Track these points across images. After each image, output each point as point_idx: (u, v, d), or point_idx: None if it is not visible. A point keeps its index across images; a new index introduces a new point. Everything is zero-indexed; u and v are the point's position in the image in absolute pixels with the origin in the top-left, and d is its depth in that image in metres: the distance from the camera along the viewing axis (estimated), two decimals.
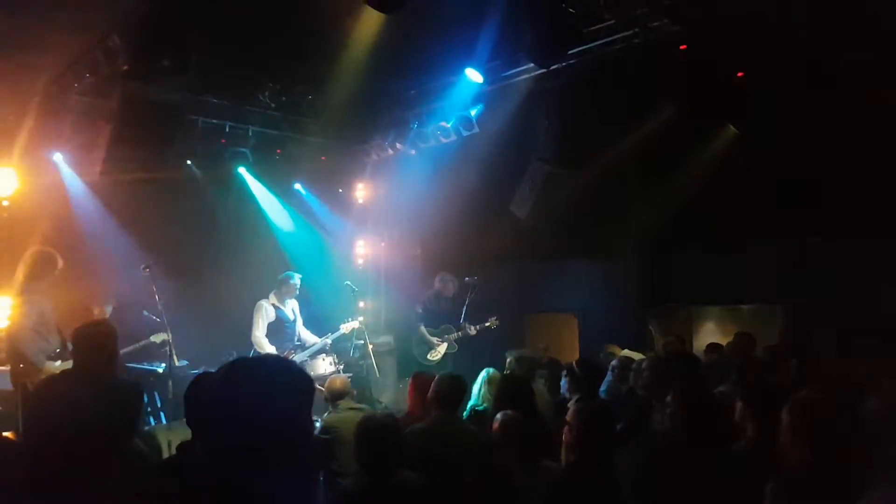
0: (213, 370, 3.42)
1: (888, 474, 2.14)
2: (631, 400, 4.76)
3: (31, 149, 6.70)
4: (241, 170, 8.65)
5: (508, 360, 5.70)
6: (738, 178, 7.28)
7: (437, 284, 8.28)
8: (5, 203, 6.54)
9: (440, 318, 8.24)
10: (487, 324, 8.17)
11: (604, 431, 3.17)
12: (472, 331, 8.14)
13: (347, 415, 4.43)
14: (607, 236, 8.56)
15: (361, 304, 8.11)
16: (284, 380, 1.51)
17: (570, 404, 4.00)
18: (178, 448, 2.96)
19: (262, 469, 1.40)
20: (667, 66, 6.46)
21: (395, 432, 3.17)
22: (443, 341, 8.15)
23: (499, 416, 3.54)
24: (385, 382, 8.66)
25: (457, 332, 8.16)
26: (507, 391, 4.21)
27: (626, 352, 6.66)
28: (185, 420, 3.04)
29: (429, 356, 8.10)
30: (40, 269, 5.45)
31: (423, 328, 8.18)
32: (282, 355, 6.52)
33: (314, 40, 6.53)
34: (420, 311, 8.26)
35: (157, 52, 5.70)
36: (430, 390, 4.19)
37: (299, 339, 7.46)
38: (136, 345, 6.82)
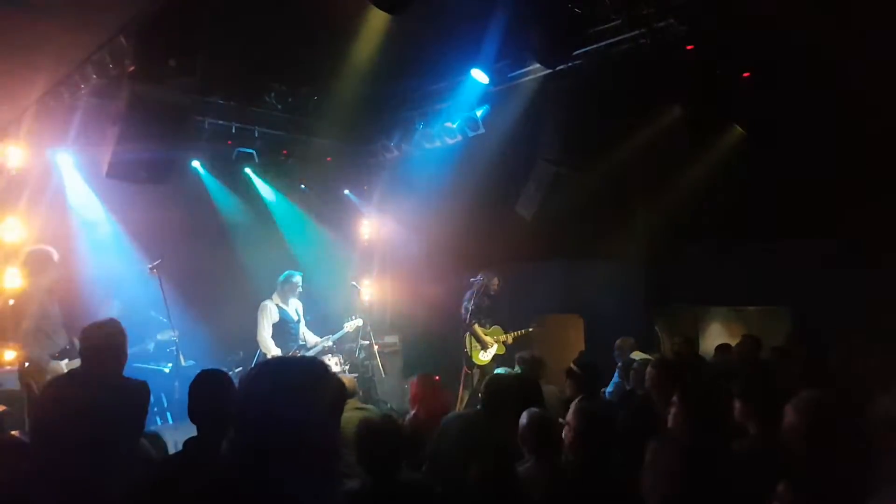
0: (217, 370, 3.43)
1: (893, 476, 2.13)
2: (633, 400, 4.76)
3: (38, 148, 6.75)
4: (247, 170, 8.70)
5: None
6: (743, 179, 7.25)
7: (482, 280, 7.91)
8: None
9: (488, 317, 8.12)
10: (531, 328, 8.20)
11: (603, 431, 3.16)
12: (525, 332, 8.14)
13: (353, 415, 4.43)
14: (613, 237, 8.52)
15: (367, 304, 8.09)
16: (318, 382, 1.51)
17: (572, 404, 3.99)
18: (185, 444, 2.96)
19: (292, 468, 1.40)
20: (673, 67, 6.43)
21: (395, 433, 3.17)
22: (495, 342, 8.04)
23: (525, 413, 3.48)
24: (390, 383, 8.66)
25: (506, 335, 8.11)
26: (520, 392, 4.23)
27: (636, 353, 6.66)
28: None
29: (481, 356, 7.93)
30: (38, 267, 5.49)
31: (477, 327, 7.91)
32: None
33: (320, 41, 6.55)
34: (472, 308, 7.83)
35: (164, 53, 5.72)
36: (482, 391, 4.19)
37: (303, 340, 7.45)
38: (143, 344, 6.86)
